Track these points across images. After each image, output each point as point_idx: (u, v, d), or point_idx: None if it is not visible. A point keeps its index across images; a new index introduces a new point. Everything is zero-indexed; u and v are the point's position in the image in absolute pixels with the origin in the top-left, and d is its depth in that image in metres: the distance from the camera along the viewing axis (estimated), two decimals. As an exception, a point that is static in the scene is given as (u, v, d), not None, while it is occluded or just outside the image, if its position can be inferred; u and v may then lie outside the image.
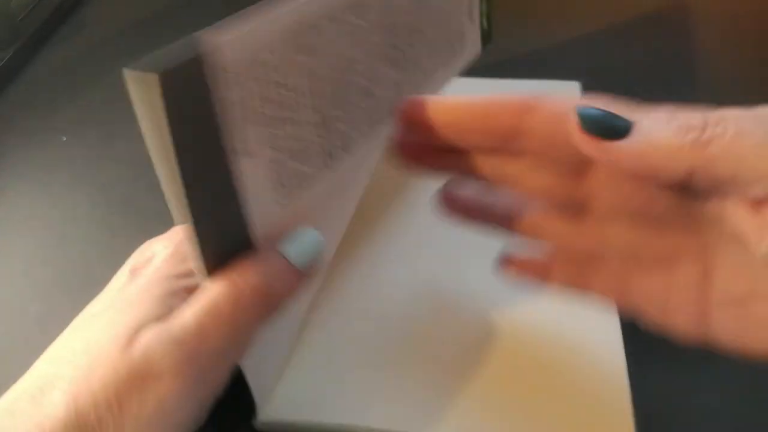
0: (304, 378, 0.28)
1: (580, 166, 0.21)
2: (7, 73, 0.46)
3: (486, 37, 0.36)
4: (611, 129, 0.18)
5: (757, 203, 0.18)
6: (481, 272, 0.31)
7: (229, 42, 0.19)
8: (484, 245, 0.32)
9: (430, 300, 0.30)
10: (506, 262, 0.25)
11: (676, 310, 0.21)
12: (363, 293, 0.31)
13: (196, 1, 0.54)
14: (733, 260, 0.20)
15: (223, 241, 0.20)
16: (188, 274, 0.21)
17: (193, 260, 0.20)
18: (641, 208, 0.21)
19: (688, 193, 0.20)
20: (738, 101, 0.19)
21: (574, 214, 0.23)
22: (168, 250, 0.22)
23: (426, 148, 0.24)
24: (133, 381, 0.19)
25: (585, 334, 0.29)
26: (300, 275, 0.22)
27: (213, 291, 0.20)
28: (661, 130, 0.18)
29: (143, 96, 0.17)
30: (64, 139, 0.41)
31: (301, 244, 0.22)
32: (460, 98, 0.22)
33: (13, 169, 0.40)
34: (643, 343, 0.29)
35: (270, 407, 0.27)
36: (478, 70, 0.35)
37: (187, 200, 0.19)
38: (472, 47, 0.35)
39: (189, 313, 0.20)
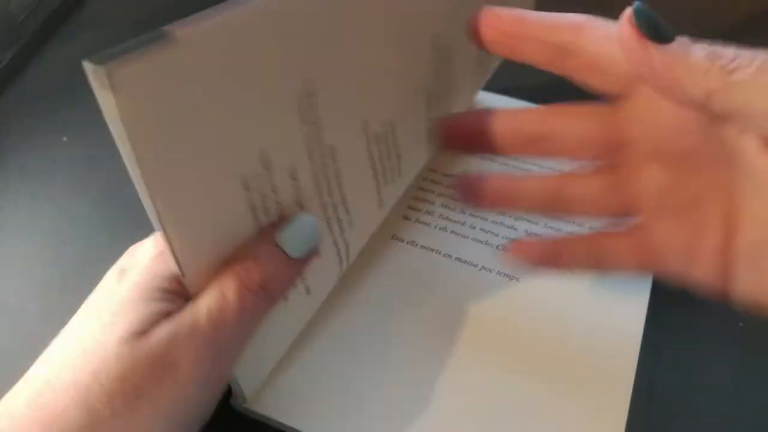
0: (298, 380, 0.27)
1: (619, 101, 0.22)
2: (8, 74, 0.46)
3: None
4: (658, 30, 0.19)
5: None
6: (485, 293, 0.31)
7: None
8: (486, 266, 0.32)
9: (440, 320, 0.30)
10: (514, 247, 0.25)
11: (699, 261, 0.22)
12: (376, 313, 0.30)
13: (196, 1, 0.54)
14: (758, 204, 0.20)
15: (204, 243, 0.20)
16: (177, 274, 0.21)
17: (172, 262, 0.20)
18: (672, 141, 0.22)
19: (716, 133, 0.20)
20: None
21: (608, 169, 0.24)
22: (156, 249, 0.23)
23: (467, 126, 0.25)
24: (153, 370, 0.19)
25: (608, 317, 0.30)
26: (297, 265, 0.22)
27: (221, 285, 0.20)
28: (696, 49, 0.19)
29: (99, 92, 0.15)
30: (65, 139, 0.41)
31: (296, 234, 0.22)
32: (519, 11, 0.23)
33: (14, 169, 0.40)
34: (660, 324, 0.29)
35: (254, 396, 0.27)
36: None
37: (153, 207, 0.17)
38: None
39: (200, 306, 0.20)
